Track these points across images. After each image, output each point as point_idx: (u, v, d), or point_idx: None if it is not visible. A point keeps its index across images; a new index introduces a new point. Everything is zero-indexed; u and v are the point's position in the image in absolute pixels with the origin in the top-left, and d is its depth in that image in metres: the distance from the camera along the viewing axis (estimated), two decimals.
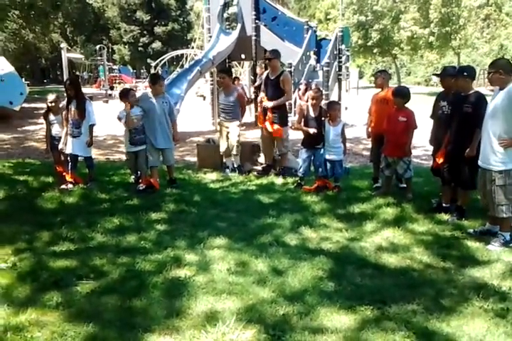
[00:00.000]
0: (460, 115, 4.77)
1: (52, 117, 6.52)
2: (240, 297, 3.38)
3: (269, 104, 6.91)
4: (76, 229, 4.80)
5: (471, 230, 4.74)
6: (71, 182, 6.37)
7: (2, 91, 13.53)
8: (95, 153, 9.14)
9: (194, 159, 8.32)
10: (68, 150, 6.37)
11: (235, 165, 7.36)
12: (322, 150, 6.27)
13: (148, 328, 2.98)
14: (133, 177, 6.71)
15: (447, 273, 3.84)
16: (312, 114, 6.28)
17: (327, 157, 6.21)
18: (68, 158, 6.44)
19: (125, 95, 6.35)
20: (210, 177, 7.17)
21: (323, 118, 6.25)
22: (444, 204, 5.31)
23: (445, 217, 5.17)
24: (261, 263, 3.97)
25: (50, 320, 3.08)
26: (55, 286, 3.55)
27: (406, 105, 5.86)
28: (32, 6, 23.19)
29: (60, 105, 6.51)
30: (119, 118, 6.32)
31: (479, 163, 4.50)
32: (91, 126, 6.40)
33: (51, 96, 6.46)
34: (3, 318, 3.09)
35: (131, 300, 3.35)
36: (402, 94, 5.79)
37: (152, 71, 31.84)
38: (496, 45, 37.52)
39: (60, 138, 6.45)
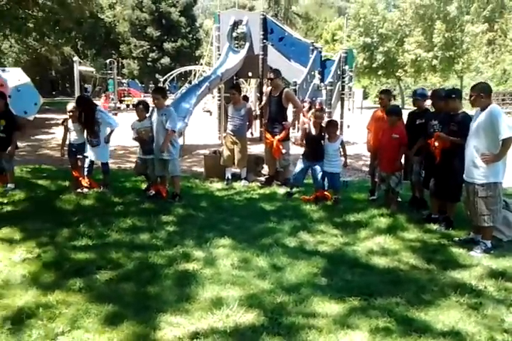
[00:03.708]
0: (447, 133, 5.22)
1: (70, 124, 6.95)
2: (242, 287, 3.79)
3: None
4: (93, 228, 5.24)
5: (457, 238, 5.15)
6: (86, 187, 6.81)
7: (18, 101, 14.04)
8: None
9: (201, 169, 8.78)
10: (90, 156, 6.85)
11: (243, 176, 7.80)
12: (320, 164, 6.66)
13: (161, 309, 3.39)
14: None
15: (430, 273, 4.24)
16: (313, 131, 6.73)
17: (325, 169, 6.63)
18: (85, 164, 6.91)
19: (136, 106, 6.88)
20: (216, 186, 7.61)
21: (323, 134, 6.70)
22: (433, 215, 5.73)
23: (434, 226, 5.57)
24: (262, 260, 4.38)
25: (75, 300, 3.50)
26: (77, 274, 3.97)
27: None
28: (57, 22, 24.01)
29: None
30: (132, 129, 6.81)
31: (464, 177, 4.93)
32: (112, 131, 6.91)
33: (70, 106, 6.92)
34: (34, 297, 3.52)
35: (145, 287, 3.78)
36: (395, 112, 6.25)
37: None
38: (500, 69, 38.23)
39: (78, 144, 6.92)
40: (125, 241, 4.85)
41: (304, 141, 6.82)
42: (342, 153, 6.77)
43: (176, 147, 6.63)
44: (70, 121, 6.94)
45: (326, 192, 6.74)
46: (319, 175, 6.67)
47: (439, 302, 3.64)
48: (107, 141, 6.91)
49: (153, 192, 6.67)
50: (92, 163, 6.92)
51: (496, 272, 4.24)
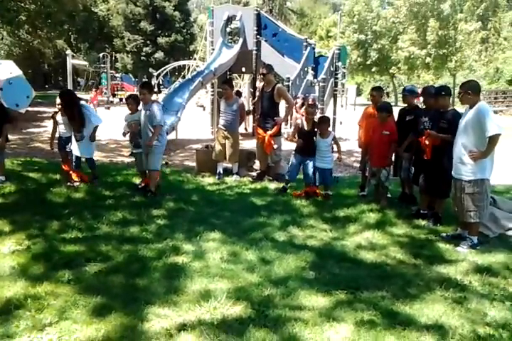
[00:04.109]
0: (437, 130, 5.27)
1: (59, 117, 6.93)
2: (230, 280, 3.82)
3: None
4: (83, 220, 5.25)
5: (444, 234, 5.21)
6: (76, 181, 6.77)
7: (10, 93, 13.93)
8: (99, 156, 9.63)
9: (193, 164, 8.79)
10: (75, 152, 6.80)
11: (234, 171, 7.83)
12: (312, 159, 6.68)
13: (149, 301, 3.42)
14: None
15: (417, 268, 4.30)
16: (306, 127, 6.75)
17: (317, 164, 6.65)
18: (73, 158, 6.87)
19: (126, 100, 6.89)
20: (207, 180, 7.63)
21: (316, 130, 6.71)
22: (421, 211, 5.79)
23: (422, 222, 5.62)
24: (251, 254, 4.42)
25: (64, 292, 3.52)
26: (66, 266, 3.99)
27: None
28: (50, 15, 23.88)
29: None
30: (125, 120, 6.82)
31: (452, 173, 4.98)
32: (95, 128, 6.79)
33: (59, 99, 6.85)
34: (23, 289, 3.54)
35: (134, 279, 3.80)
36: (386, 109, 6.29)
37: (154, 80, 32.46)
38: (493, 68, 38.38)
39: (67, 138, 6.91)
40: (115, 234, 4.87)
41: (297, 136, 6.83)
42: (336, 149, 6.77)
43: (161, 142, 6.51)
44: (59, 114, 6.92)
45: (316, 189, 6.77)
46: (311, 171, 6.68)
47: (424, 296, 3.69)
48: (93, 139, 6.84)
49: (143, 185, 6.68)
50: (78, 157, 6.86)
51: (482, 267, 4.30)
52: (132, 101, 6.71)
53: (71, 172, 6.88)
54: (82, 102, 6.87)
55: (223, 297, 3.48)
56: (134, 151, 6.83)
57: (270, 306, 3.41)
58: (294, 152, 6.96)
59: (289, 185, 6.99)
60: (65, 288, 3.60)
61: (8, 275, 3.80)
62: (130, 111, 6.75)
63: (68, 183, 6.73)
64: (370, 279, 3.97)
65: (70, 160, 6.97)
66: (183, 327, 3.09)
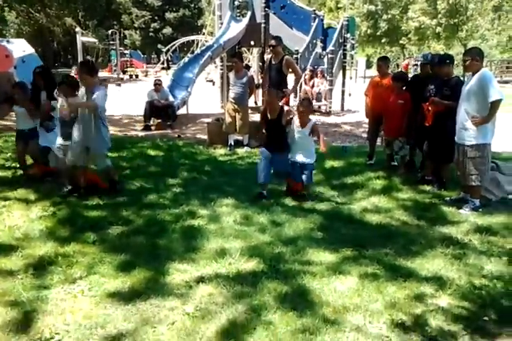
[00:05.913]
0: (440, 97, 5.41)
1: (15, 108, 5.78)
2: (244, 240, 4.11)
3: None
4: (103, 189, 5.52)
5: (448, 198, 5.42)
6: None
7: (23, 71, 14.19)
8: (113, 130, 9.86)
9: (205, 137, 9.00)
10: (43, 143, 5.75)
11: (245, 143, 8.05)
12: (283, 155, 5.32)
13: (170, 258, 3.72)
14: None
15: (420, 228, 4.54)
16: (269, 115, 5.34)
17: (300, 159, 5.26)
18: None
19: (59, 86, 5.46)
20: (219, 151, 7.88)
21: (290, 117, 5.29)
22: (426, 177, 5.99)
23: (427, 187, 5.84)
24: (262, 217, 4.69)
25: (90, 251, 3.83)
26: (91, 229, 4.29)
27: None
28: None
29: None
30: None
31: (455, 138, 5.15)
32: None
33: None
34: (53, 248, 3.86)
35: (154, 239, 4.10)
36: (401, 78, 6.41)
37: (163, 57, 32.45)
38: (506, 37, 37.55)
39: (29, 130, 5.82)
40: (134, 201, 5.15)
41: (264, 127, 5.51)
42: (316, 139, 5.33)
43: (106, 137, 5.26)
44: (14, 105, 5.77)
45: (297, 186, 5.47)
46: (281, 168, 5.40)
47: (426, 252, 3.94)
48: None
49: (71, 187, 5.37)
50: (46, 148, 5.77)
51: (482, 227, 4.52)
52: (66, 87, 5.29)
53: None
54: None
55: (237, 254, 3.77)
56: (66, 143, 5.34)
57: (281, 261, 3.69)
58: (260, 147, 5.84)
59: (264, 190, 5.41)
60: (91, 247, 3.90)
61: (38, 237, 4.11)
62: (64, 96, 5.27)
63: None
64: (375, 238, 4.22)
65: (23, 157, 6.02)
66: (201, 280, 3.38)
